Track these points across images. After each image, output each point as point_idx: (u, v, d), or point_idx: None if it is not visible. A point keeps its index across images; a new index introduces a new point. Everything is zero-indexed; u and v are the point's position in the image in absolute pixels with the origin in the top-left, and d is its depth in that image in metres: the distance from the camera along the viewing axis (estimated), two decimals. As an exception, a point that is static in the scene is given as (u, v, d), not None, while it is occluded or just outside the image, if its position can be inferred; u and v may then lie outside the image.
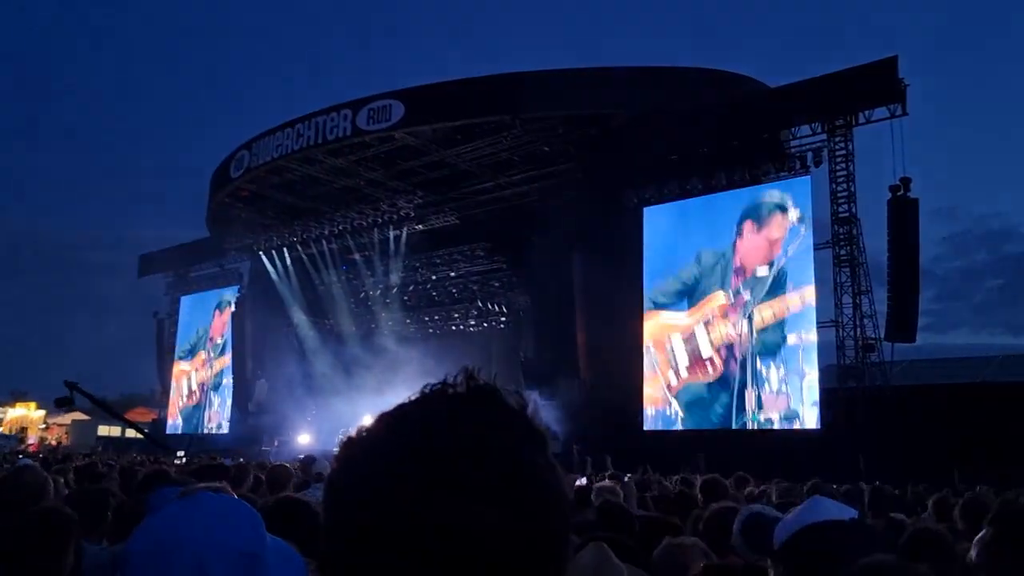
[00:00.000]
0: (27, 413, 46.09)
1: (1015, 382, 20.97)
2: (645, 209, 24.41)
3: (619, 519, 2.93)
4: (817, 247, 21.22)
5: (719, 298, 22.32)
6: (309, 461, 9.02)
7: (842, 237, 21.01)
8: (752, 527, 2.15)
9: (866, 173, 21.08)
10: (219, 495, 1.25)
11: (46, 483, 3.08)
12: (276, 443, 29.27)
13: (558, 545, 0.66)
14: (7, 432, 43.49)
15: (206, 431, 34.90)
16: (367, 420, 0.73)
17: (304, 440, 30.77)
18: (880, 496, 5.66)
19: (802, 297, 20.96)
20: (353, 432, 0.72)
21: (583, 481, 8.74)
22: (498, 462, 0.64)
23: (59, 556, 2.19)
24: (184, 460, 12.09)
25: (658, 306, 23.59)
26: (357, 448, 0.70)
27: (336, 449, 0.74)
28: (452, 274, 30.43)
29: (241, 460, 17.01)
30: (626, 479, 7.92)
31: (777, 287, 21.37)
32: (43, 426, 47.24)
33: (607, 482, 6.74)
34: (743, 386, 21.40)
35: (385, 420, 0.70)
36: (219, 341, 36.39)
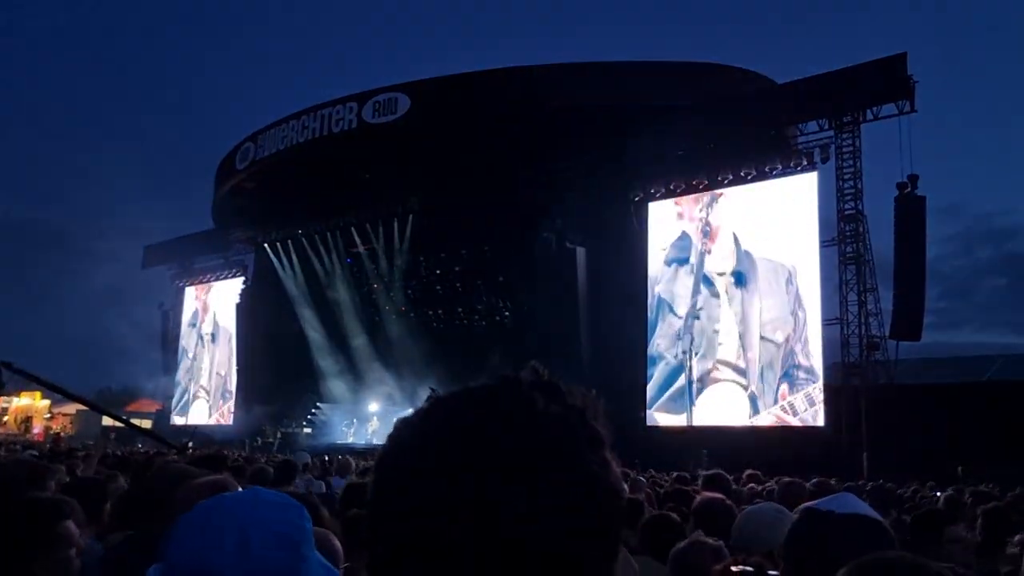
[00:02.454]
0: (32, 403, 46.20)
1: (1019, 381, 20.86)
2: (650, 204, 24.34)
3: (631, 511, 2.91)
4: (823, 244, 21.14)
5: (723, 294, 22.29)
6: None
7: (848, 234, 20.94)
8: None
9: (872, 170, 21.01)
10: (269, 489, 1.34)
11: (44, 474, 3.07)
12: (279, 435, 29.38)
13: (607, 542, 0.66)
14: (12, 421, 43.64)
15: (210, 423, 34.97)
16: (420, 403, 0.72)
17: (307, 431, 30.88)
18: (881, 494, 5.61)
19: (806, 294, 20.88)
20: (410, 413, 0.72)
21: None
22: (555, 453, 0.64)
23: (47, 546, 2.17)
24: (189, 452, 12.07)
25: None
26: (410, 427, 0.70)
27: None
28: (456, 268, 30.38)
29: (243, 453, 17.07)
30: (633, 476, 7.89)
31: (778, 283, 21.29)
32: (48, 416, 47.38)
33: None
34: (747, 383, 21.34)
35: (443, 403, 0.70)
36: (221, 332, 36.41)
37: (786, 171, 22.14)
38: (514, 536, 0.60)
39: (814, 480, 5.56)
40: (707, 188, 23.28)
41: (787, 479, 5.27)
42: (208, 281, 38.17)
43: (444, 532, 0.61)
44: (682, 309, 23.08)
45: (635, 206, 24.39)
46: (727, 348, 21.93)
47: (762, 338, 21.27)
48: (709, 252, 22.81)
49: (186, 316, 38.98)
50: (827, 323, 20.77)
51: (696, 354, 22.48)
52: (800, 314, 20.85)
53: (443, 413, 0.68)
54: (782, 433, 20.06)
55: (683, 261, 23.34)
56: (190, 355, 38.31)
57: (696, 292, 22.84)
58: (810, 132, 22.20)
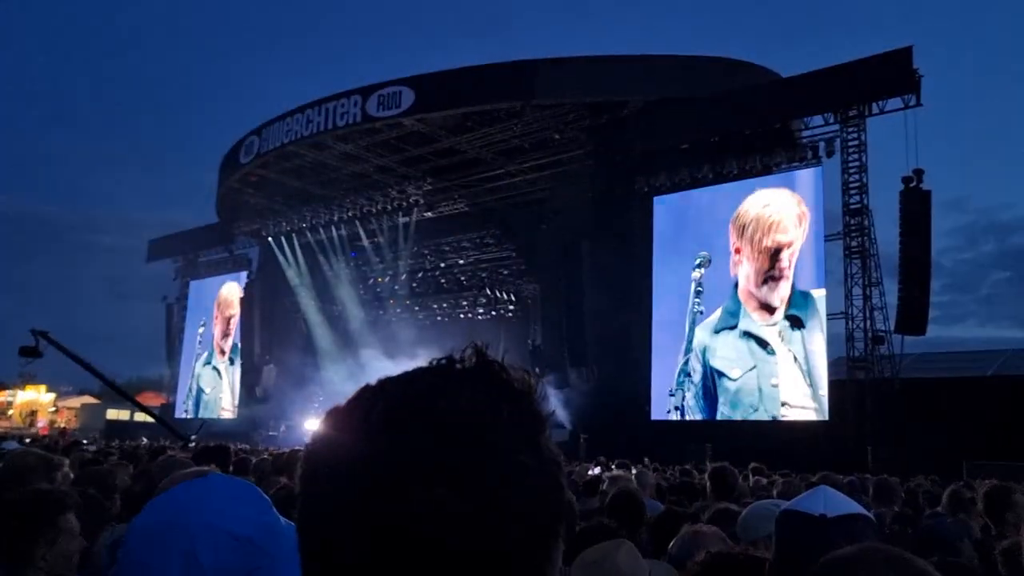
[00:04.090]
0: (37, 396, 46.37)
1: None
2: (655, 198, 24.29)
3: (629, 506, 2.90)
4: (828, 238, 21.09)
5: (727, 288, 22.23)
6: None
7: (853, 228, 20.87)
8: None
9: (877, 164, 20.91)
10: (229, 477, 1.28)
11: (48, 467, 3.07)
12: (283, 428, 29.41)
13: (539, 537, 0.63)
14: (17, 415, 43.78)
15: (214, 416, 35.06)
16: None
17: (311, 425, 30.92)
18: (885, 488, 5.59)
19: (811, 289, 20.85)
20: (341, 400, 0.69)
21: (596, 471, 8.73)
22: (481, 448, 0.61)
23: (50, 537, 2.16)
24: (195, 445, 12.09)
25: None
26: (337, 417, 0.68)
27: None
28: (461, 261, 30.40)
29: (246, 446, 17.08)
30: (640, 469, 7.89)
31: (785, 279, 21.25)
32: (52, 409, 47.55)
33: (617, 471, 6.71)
34: (751, 376, 21.31)
35: (371, 390, 0.68)
36: (224, 327, 36.51)
37: (792, 165, 22.09)
38: (431, 536, 0.58)
39: (819, 474, 5.55)
40: (712, 181, 23.22)
41: (792, 474, 5.26)
42: (212, 275, 38.26)
43: (360, 527, 0.59)
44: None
45: (640, 199, 24.35)
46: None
47: (764, 330, 21.15)
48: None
49: (190, 310, 39.07)
50: (832, 317, 20.73)
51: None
52: (804, 308, 20.79)
53: (361, 408, 0.66)
54: (786, 427, 20.05)
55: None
56: (195, 348, 38.41)
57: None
58: (815, 126, 22.13)
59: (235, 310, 35.53)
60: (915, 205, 19.91)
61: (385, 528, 0.58)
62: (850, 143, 21.05)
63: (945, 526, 4.10)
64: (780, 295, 21.30)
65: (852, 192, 20.89)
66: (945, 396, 19.73)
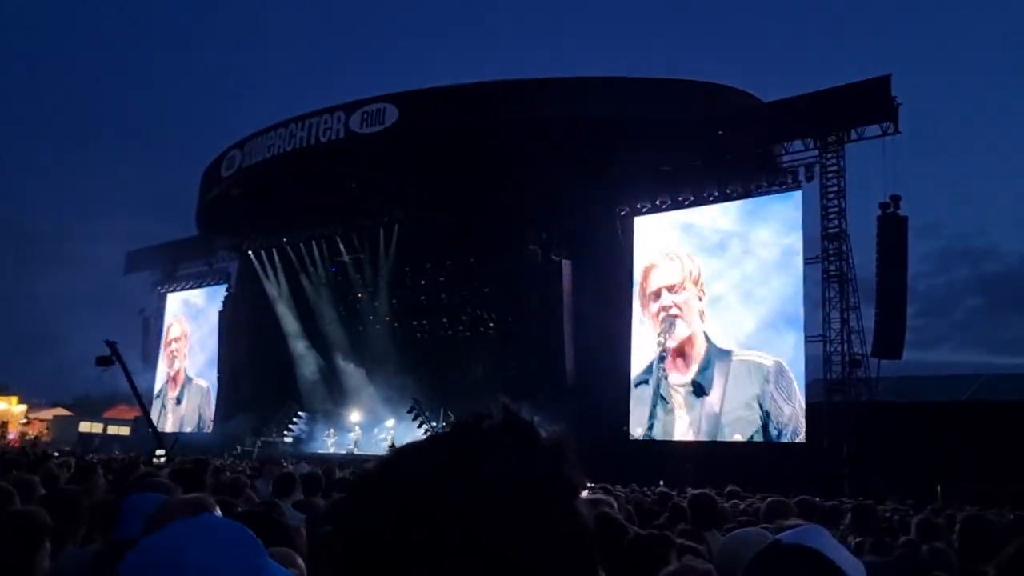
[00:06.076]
0: (8, 408, 45.62)
1: (999, 401, 21.05)
2: (636, 219, 24.43)
3: (610, 532, 2.88)
4: (807, 262, 21.31)
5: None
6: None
7: (831, 253, 21.10)
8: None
9: (854, 189, 21.21)
10: (221, 518, 1.29)
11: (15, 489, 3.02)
12: (259, 444, 29.12)
13: None
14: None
15: (189, 430, 34.61)
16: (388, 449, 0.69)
17: (287, 441, 30.64)
18: (864, 514, 5.54)
19: (789, 312, 21.02)
20: (371, 466, 0.68)
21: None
22: (513, 516, 0.60)
23: (30, 560, 2.13)
24: (164, 460, 11.94)
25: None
26: (367, 486, 0.66)
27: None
28: (441, 279, 30.30)
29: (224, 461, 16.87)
30: (617, 492, 7.86)
31: (763, 301, 21.42)
32: (24, 421, 46.78)
33: (600, 494, 6.66)
34: (730, 398, 21.38)
35: (403, 456, 0.66)
36: (201, 339, 36.15)
37: (771, 189, 22.33)
38: None
39: (797, 498, 5.55)
40: (692, 204, 23.41)
41: (771, 497, 5.26)
42: (191, 288, 37.92)
43: None
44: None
45: (621, 220, 24.47)
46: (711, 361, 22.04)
47: (743, 352, 21.36)
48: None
49: (167, 322, 38.65)
50: (809, 340, 20.92)
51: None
52: (782, 331, 20.97)
53: (397, 478, 0.64)
54: (764, 448, 20.12)
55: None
56: (170, 361, 37.95)
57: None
58: (795, 151, 22.40)
59: (214, 323, 35.19)
60: (892, 230, 20.18)
61: None
62: (829, 168, 21.32)
63: (919, 557, 4.09)
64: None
65: (831, 217, 21.14)
66: (921, 420, 19.89)
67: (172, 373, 36.87)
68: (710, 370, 21.54)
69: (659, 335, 22.46)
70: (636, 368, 23.27)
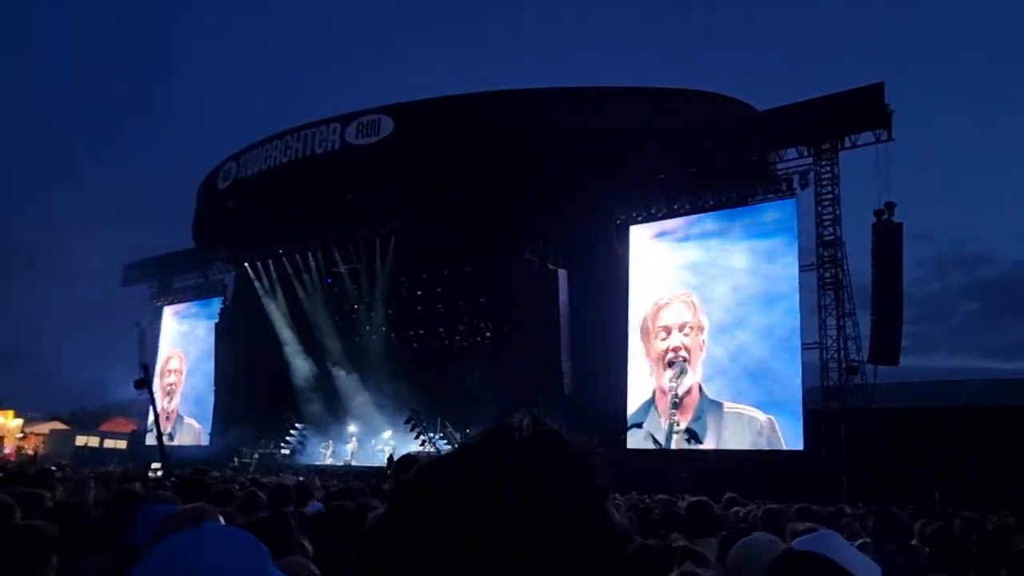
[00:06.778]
0: (4, 422, 45.38)
1: (996, 406, 21.11)
2: (632, 228, 24.48)
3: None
4: (802, 269, 21.38)
5: (703, 316, 22.39)
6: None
7: (827, 260, 21.17)
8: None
9: (849, 196, 21.30)
10: (228, 527, 1.29)
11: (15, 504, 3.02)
12: (256, 455, 29.01)
13: None
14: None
15: (186, 443, 34.50)
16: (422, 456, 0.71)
17: (284, 452, 30.53)
18: (889, 522, 5.01)
19: (787, 319, 21.07)
20: (411, 475, 0.69)
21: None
22: (544, 526, 0.61)
23: (38, 573, 2.14)
24: (160, 473, 11.89)
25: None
26: (409, 498, 0.67)
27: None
28: (438, 289, 30.29)
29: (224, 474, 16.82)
30: (616, 501, 7.84)
31: (762, 308, 21.46)
32: (20, 435, 46.53)
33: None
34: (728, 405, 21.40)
35: (440, 465, 0.67)
36: (197, 352, 36.07)
37: (766, 197, 22.40)
38: None
39: (796, 506, 5.56)
40: (688, 212, 23.47)
41: (770, 504, 5.27)
42: (187, 300, 37.86)
43: None
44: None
45: (617, 229, 24.53)
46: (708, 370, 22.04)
47: (740, 360, 21.38)
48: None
49: (164, 335, 38.56)
50: (806, 347, 20.97)
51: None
52: (779, 337, 21.01)
53: (437, 490, 0.64)
54: (762, 456, 20.12)
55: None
56: (167, 374, 37.85)
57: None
58: (790, 159, 22.50)
59: (210, 336, 35.10)
60: (887, 237, 20.26)
61: None
62: (823, 176, 21.42)
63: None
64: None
65: (826, 224, 21.23)
66: (919, 425, 19.93)
67: (169, 411, 36.52)
68: (703, 419, 21.56)
69: (670, 380, 22.24)
70: (633, 384, 23.27)
